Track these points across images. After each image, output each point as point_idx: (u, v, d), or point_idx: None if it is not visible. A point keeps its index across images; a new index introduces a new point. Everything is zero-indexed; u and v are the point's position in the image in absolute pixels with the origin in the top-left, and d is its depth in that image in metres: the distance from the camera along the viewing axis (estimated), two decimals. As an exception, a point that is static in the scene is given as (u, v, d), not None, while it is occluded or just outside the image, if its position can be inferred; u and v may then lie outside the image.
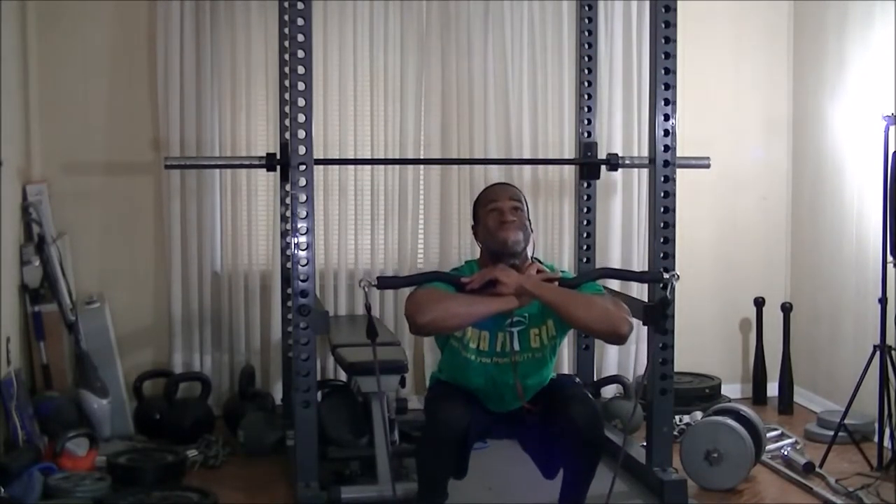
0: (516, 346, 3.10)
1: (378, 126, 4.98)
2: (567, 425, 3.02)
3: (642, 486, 3.73)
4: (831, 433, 4.21)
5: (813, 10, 5.18)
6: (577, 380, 3.25)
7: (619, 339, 3.03)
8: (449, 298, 2.99)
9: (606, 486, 3.08)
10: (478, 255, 3.21)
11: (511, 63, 5.00)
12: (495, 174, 4.85)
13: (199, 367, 4.89)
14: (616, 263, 5.10)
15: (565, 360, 5.01)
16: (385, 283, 3.18)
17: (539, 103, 5.02)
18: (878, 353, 4.04)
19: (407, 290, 3.11)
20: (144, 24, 4.83)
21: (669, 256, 3.62)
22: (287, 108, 3.78)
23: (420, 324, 2.94)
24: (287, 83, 3.94)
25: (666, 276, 3.28)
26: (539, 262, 3.18)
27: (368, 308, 2.95)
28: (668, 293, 3.20)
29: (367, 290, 2.95)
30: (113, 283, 4.84)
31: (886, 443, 4.09)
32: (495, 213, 3.11)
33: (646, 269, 3.72)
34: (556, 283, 3.08)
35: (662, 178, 3.62)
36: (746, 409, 4.14)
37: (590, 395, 3.14)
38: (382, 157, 4.94)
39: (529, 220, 3.16)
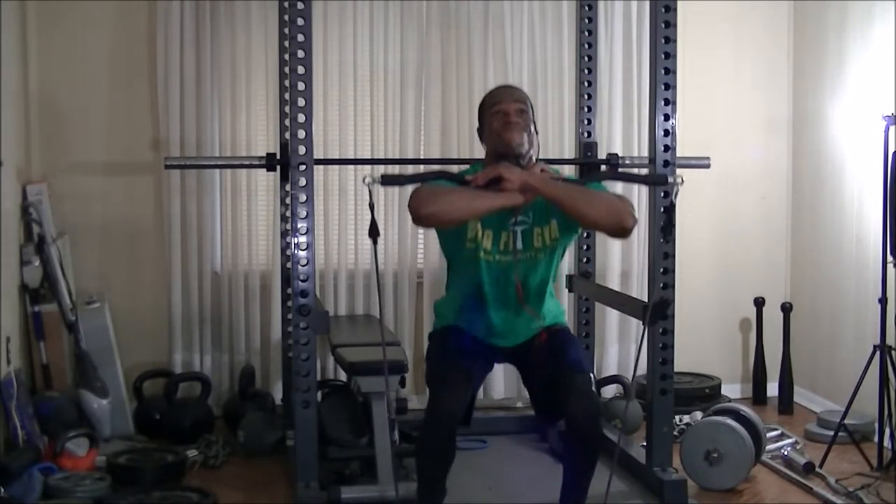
0: (519, 246, 3.11)
1: (378, 126, 4.98)
2: (567, 420, 3.03)
3: (642, 486, 3.73)
4: (831, 433, 4.21)
5: (813, 10, 5.18)
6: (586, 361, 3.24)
7: (623, 232, 3.02)
8: (452, 192, 3.01)
9: (605, 485, 3.09)
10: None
11: (511, 63, 5.00)
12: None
13: (199, 367, 4.89)
14: (616, 263, 5.11)
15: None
16: (389, 180, 3.13)
17: (539, 103, 5.01)
18: (878, 353, 4.04)
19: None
20: (144, 24, 4.83)
21: (669, 256, 3.62)
22: (287, 108, 3.78)
23: (423, 215, 2.95)
24: (287, 83, 3.94)
25: (670, 179, 3.29)
26: (545, 165, 3.20)
27: (372, 207, 2.92)
28: (672, 198, 3.19)
29: (371, 187, 2.92)
30: (113, 283, 4.84)
31: (886, 443, 4.09)
32: (500, 115, 3.12)
33: (646, 270, 3.71)
34: (561, 181, 3.10)
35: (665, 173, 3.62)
36: (746, 409, 4.14)
37: (593, 389, 3.11)
38: (382, 157, 4.94)
39: (535, 123, 3.16)
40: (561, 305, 3.42)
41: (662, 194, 3.59)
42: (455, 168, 4.92)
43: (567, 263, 4.75)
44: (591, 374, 3.17)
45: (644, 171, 4.78)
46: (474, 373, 3.12)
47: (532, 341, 3.23)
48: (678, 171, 3.63)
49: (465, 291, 3.22)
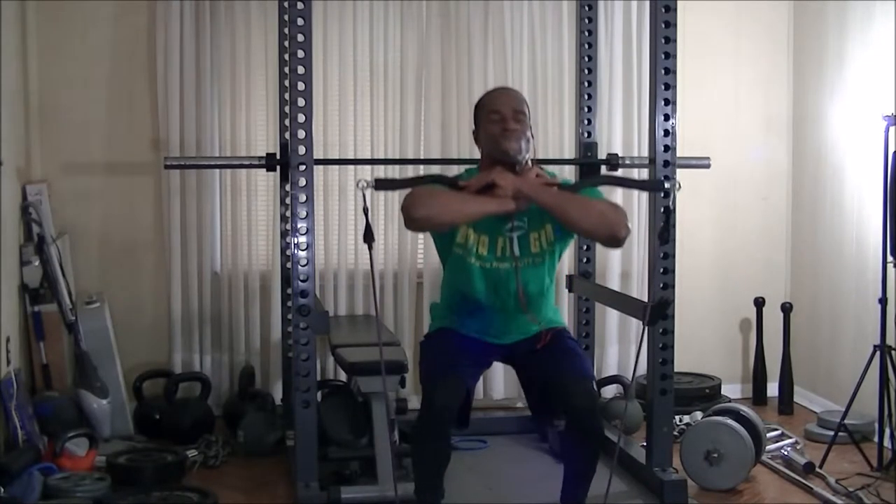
0: (516, 251, 3.11)
1: (378, 126, 4.98)
2: (567, 419, 3.03)
3: (642, 486, 3.73)
4: (831, 433, 4.21)
5: (813, 10, 5.18)
6: (586, 362, 3.24)
7: (615, 242, 3.03)
8: (445, 195, 3.01)
9: (606, 486, 3.09)
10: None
11: (511, 63, 5.00)
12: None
13: (199, 367, 4.89)
14: (616, 264, 5.11)
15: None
16: (382, 184, 3.14)
17: (539, 103, 5.01)
18: (878, 353, 4.04)
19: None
20: (144, 24, 4.83)
21: (669, 256, 3.62)
22: (287, 108, 3.78)
23: (415, 217, 2.95)
24: (287, 83, 3.94)
25: (667, 184, 3.26)
26: (541, 168, 3.19)
27: (366, 211, 2.92)
28: (670, 203, 3.19)
29: (364, 191, 2.92)
30: (113, 283, 4.84)
31: (886, 443, 4.10)
32: (498, 121, 3.11)
33: (646, 271, 3.71)
34: (556, 188, 3.09)
35: (662, 178, 3.62)
36: (746, 409, 4.14)
37: (594, 388, 3.12)
38: (382, 157, 4.94)
39: (531, 127, 3.16)
40: (558, 308, 3.41)
41: (662, 195, 3.59)
42: (455, 168, 4.96)
43: (567, 264, 4.76)
44: (592, 376, 3.17)
45: (644, 171, 4.79)
46: (469, 372, 3.10)
47: (530, 341, 3.21)
48: (677, 173, 3.63)
49: (457, 295, 3.22)
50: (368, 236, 2.92)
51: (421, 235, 4.99)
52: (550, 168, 5.08)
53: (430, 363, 3.14)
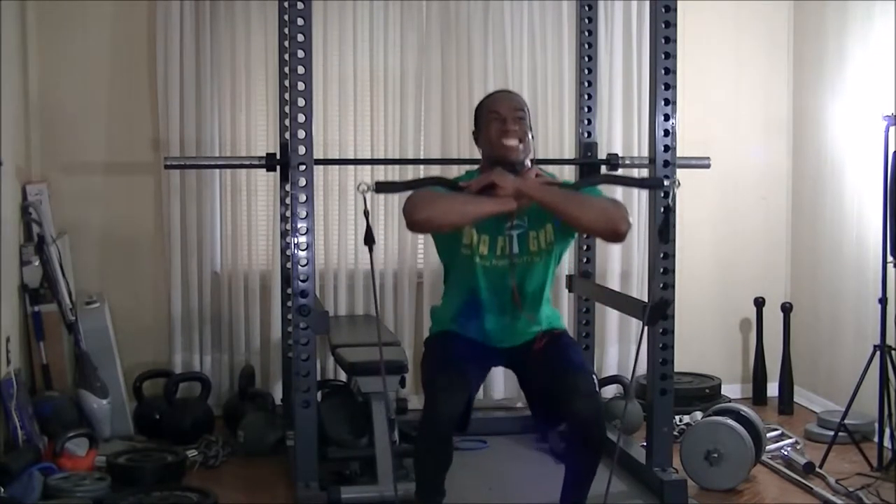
0: (515, 250, 3.11)
1: (378, 126, 4.98)
2: (569, 421, 3.03)
3: (642, 486, 3.73)
4: (831, 433, 4.21)
5: (813, 10, 5.18)
6: (587, 363, 3.23)
7: (617, 236, 3.02)
8: (446, 197, 3.02)
9: (605, 485, 3.09)
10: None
11: (511, 63, 5.00)
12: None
13: (199, 367, 4.89)
14: (616, 264, 5.11)
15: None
16: (383, 187, 3.13)
17: (539, 103, 5.01)
18: (878, 353, 4.04)
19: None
20: (144, 24, 4.83)
21: (669, 256, 3.62)
22: (287, 108, 3.78)
23: (416, 220, 2.95)
24: (287, 83, 3.94)
25: (667, 182, 3.28)
26: (540, 169, 3.20)
27: (367, 214, 2.92)
28: (669, 201, 3.20)
29: (365, 195, 2.91)
30: (113, 283, 4.84)
31: (886, 443, 4.10)
32: (498, 122, 3.11)
33: (646, 271, 3.71)
34: (556, 187, 3.10)
35: (662, 177, 3.62)
36: (746, 409, 4.14)
37: (596, 390, 3.10)
38: (382, 157, 4.94)
39: (531, 128, 3.16)
40: (558, 311, 3.41)
41: (662, 194, 3.59)
42: (455, 169, 4.96)
43: (567, 264, 4.76)
44: (594, 375, 3.17)
45: (644, 171, 4.80)
46: (471, 376, 3.10)
47: (530, 345, 3.22)
48: (677, 173, 3.64)
49: (461, 297, 3.22)
50: (369, 239, 2.92)
51: (421, 236, 4.99)
52: (550, 169, 5.12)
53: (433, 367, 3.14)
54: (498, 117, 3.12)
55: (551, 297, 3.36)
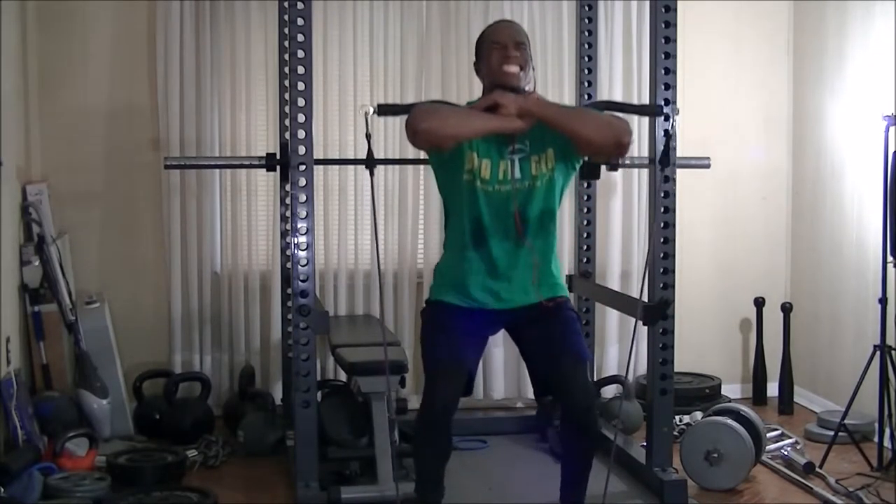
0: (517, 175, 3.09)
1: (378, 126, 4.97)
2: (563, 413, 3.06)
3: (642, 486, 3.73)
4: (831, 433, 4.21)
5: (813, 10, 5.18)
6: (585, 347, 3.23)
7: (620, 147, 3.02)
8: (451, 110, 3.07)
9: (604, 485, 3.09)
10: None
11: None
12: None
13: (199, 367, 4.89)
14: (616, 263, 5.11)
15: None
16: (385, 109, 3.15)
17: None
18: (878, 353, 4.04)
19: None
20: (144, 24, 4.83)
21: (669, 256, 3.62)
22: (287, 108, 3.78)
23: (420, 128, 2.93)
24: (287, 83, 3.94)
25: (666, 109, 3.31)
26: (540, 95, 3.20)
27: (368, 137, 2.93)
28: (670, 128, 3.20)
29: (367, 117, 2.93)
30: (113, 283, 4.84)
31: (886, 443, 4.10)
32: (499, 51, 3.11)
33: (646, 271, 3.70)
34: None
35: (662, 178, 3.62)
36: (746, 409, 4.14)
37: (589, 380, 3.12)
38: (382, 157, 4.94)
39: (531, 59, 3.16)
40: (561, 270, 3.31)
41: (663, 194, 3.59)
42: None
43: (567, 263, 4.77)
44: (590, 361, 3.17)
45: (644, 171, 4.80)
46: (470, 351, 3.10)
47: (532, 312, 3.14)
48: (677, 173, 3.64)
49: (464, 230, 3.12)
50: (371, 161, 2.95)
51: (421, 235, 4.99)
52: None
53: (431, 348, 3.11)
54: (499, 46, 3.12)
55: (559, 261, 3.27)
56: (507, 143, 3.08)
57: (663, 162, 3.28)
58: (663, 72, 3.58)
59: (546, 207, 3.14)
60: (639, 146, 5.03)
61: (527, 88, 3.11)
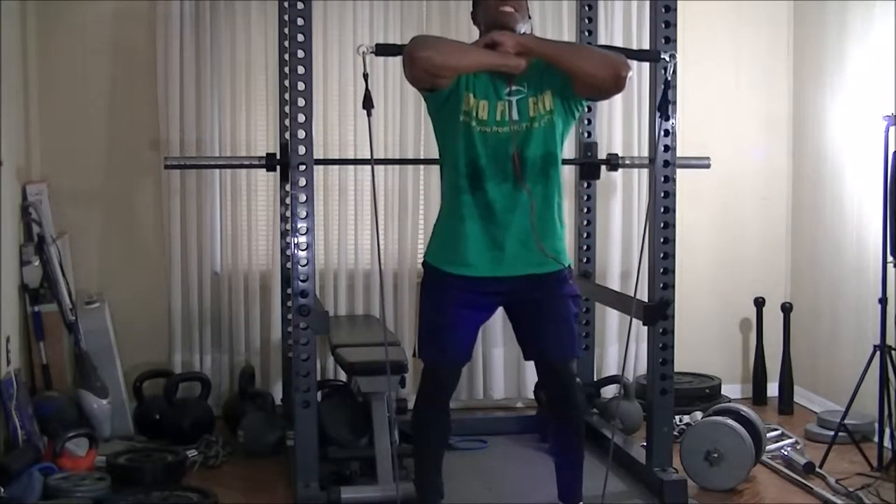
0: (515, 116, 3.07)
1: (378, 126, 4.97)
2: (547, 398, 3.18)
3: (642, 486, 3.73)
4: (831, 433, 4.21)
5: (813, 10, 5.18)
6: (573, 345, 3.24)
7: (619, 81, 3.00)
8: (450, 41, 3.13)
9: (603, 485, 3.09)
10: None
11: (511, 63, 4.99)
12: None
13: (199, 367, 4.89)
14: (616, 264, 5.10)
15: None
16: (383, 49, 3.17)
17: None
18: (878, 353, 4.05)
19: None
20: (144, 24, 4.83)
21: (669, 256, 3.62)
22: (287, 108, 3.79)
23: (418, 55, 2.93)
24: (287, 83, 3.94)
25: (665, 56, 3.37)
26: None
27: (366, 77, 2.94)
28: (668, 75, 3.20)
29: (364, 56, 2.95)
30: (113, 283, 4.84)
31: (886, 443, 4.10)
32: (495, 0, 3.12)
33: (646, 271, 3.70)
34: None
35: (662, 179, 3.62)
36: (746, 409, 4.14)
37: (573, 372, 3.30)
38: (382, 157, 4.94)
39: (528, 9, 3.18)
40: (563, 231, 3.21)
41: (663, 194, 3.60)
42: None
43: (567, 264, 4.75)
44: (579, 356, 3.26)
45: (644, 171, 4.80)
46: (468, 335, 3.14)
47: (531, 283, 3.11)
48: (677, 173, 3.64)
49: (460, 173, 3.08)
50: (368, 102, 2.98)
51: (421, 235, 4.98)
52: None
53: (429, 336, 3.13)
54: None
55: (564, 222, 3.21)
56: (505, 84, 3.07)
57: (661, 109, 3.31)
58: (663, 71, 3.58)
59: (545, 151, 3.09)
60: (639, 146, 5.06)
61: (524, 31, 3.13)
